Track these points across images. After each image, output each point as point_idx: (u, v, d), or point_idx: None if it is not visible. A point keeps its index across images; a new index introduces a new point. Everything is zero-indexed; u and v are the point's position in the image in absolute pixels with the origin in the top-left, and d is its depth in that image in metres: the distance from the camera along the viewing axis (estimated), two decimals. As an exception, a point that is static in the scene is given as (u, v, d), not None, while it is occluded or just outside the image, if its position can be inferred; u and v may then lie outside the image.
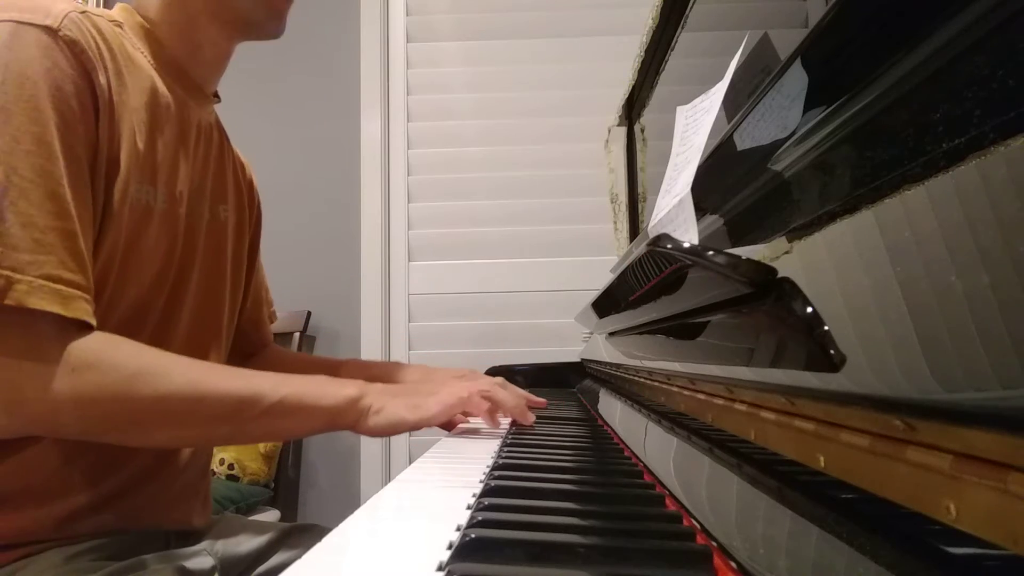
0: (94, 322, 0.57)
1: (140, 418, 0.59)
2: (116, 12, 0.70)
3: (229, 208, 0.81)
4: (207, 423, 0.62)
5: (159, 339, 0.67)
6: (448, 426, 0.82)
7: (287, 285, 1.90)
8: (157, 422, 0.60)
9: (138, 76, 0.65)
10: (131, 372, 0.57)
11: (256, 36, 0.77)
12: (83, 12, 0.60)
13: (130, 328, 0.62)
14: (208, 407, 0.61)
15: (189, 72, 0.73)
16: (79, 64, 0.58)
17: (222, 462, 1.59)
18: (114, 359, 0.57)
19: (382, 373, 0.92)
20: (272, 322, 0.99)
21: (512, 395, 0.80)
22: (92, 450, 0.63)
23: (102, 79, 0.60)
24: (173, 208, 0.69)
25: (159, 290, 0.69)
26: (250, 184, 0.90)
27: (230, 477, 1.59)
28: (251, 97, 1.94)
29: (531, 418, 0.80)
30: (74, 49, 0.58)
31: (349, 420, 0.68)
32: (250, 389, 0.63)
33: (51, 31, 0.56)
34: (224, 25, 0.73)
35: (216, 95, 0.80)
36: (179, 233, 0.71)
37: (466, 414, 0.82)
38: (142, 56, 0.68)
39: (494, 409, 0.77)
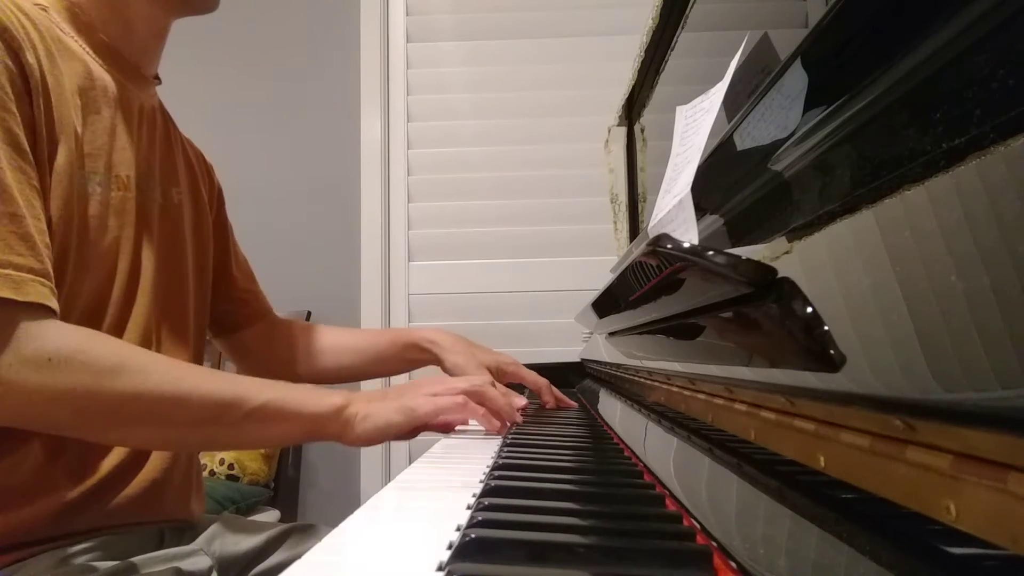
0: (55, 305, 0.55)
1: (116, 415, 0.57)
2: None
3: (183, 190, 0.79)
4: (186, 424, 0.60)
5: (117, 328, 0.65)
6: (445, 428, 0.81)
7: (287, 285, 1.90)
8: (133, 420, 0.58)
9: (70, 60, 0.64)
10: (109, 367, 0.55)
11: (190, 11, 0.75)
12: None
13: (90, 320, 0.60)
14: (188, 408, 0.59)
15: (124, 54, 0.71)
16: (5, 45, 0.56)
17: (222, 462, 1.59)
18: (92, 353, 0.55)
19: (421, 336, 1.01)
20: None
21: (500, 396, 0.77)
22: (75, 443, 0.62)
23: (31, 59, 0.58)
24: (121, 193, 0.68)
25: (113, 277, 0.67)
26: (202, 162, 0.88)
27: (230, 477, 1.58)
28: (251, 97, 1.91)
29: (517, 418, 0.79)
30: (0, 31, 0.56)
31: (334, 429, 0.66)
32: (232, 392, 0.61)
33: None
34: (156, 1, 0.72)
35: (157, 78, 0.78)
36: (131, 218, 0.69)
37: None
38: (72, 40, 0.65)
39: (488, 415, 0.74)
